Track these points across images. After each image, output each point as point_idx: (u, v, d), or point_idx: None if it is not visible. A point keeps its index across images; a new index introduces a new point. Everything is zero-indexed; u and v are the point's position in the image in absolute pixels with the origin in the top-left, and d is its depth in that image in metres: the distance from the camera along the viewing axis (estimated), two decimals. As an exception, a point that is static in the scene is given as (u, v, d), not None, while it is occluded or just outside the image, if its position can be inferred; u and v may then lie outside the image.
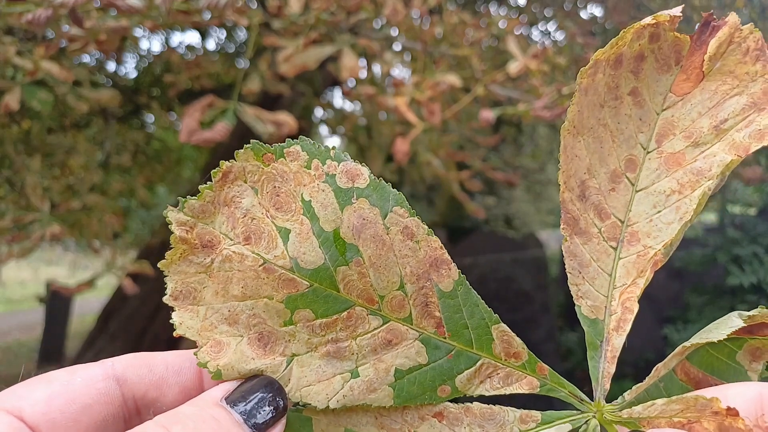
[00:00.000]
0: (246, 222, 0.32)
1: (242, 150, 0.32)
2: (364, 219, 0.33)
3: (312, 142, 0.33)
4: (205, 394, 0.31)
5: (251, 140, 0.33)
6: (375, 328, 0.33)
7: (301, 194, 0.33)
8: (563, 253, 0.36)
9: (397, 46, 1.81)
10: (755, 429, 0.28)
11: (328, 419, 0.34)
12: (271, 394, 0.31)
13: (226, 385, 0.32)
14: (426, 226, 0.34)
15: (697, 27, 0.34)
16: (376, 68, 1.88)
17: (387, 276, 0.33)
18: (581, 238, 0.36)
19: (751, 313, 0.31)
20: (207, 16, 1.16)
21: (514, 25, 1.76)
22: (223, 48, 3.05)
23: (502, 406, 0.35)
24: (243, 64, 2.40)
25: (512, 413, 0.35)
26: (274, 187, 0.33)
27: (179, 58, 2.23)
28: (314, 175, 0.33)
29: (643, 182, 0.35)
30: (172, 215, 0.32)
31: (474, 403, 0.35)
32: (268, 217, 0.33)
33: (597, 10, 2.68)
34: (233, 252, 0.32)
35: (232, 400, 0.31)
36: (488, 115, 1.30)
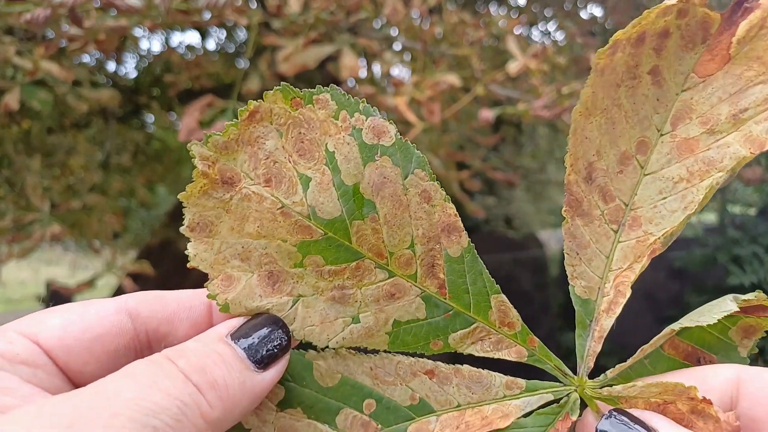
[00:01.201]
0: (268, 164, 0.33)
1: (272, 91, 0.33)
2: (384, 177, 0.33)
3: (342, 92, 0.33)
4: (211, 331, 0.32)
5: (281, 83, 0.34)
6: (380, 281, 0.34)
7: (326, 144, 0.33)
8: (563, 234, 0.36)
9: (396, 46, 1.81)
10: (723, 424, 0.28)
11: (327, 365, 0.35)
12: (275, 332, 0.33)
13: (232, 322, 0.33)
14: (444, 192, 0.34)
15: (729, 5, 0.32)
16: (376, 68, 1.88)
17: (399, 235, 0.34)
18: (583, 220, 0.36)
19: (746, 296, 0.32)
20: (206, 15, 1.16)
21: (514, 25, 1.76)
22: (223, 48, 3.05)
23: (489, 371, 0.36)
24: (243, 64, 2.40)
25: (499, 378, 0.36)
26: (300, 132, 0.33)
27: (179, 58, 2.23)
28: (341, 126, 0.33)
29: (653, 166, 0.35)
30: (196, 149, 0.32)
31: (464, 365, 0.36)
32: (290, 162, 0.33)
33: (597, 10, 2.68)
34: (253, 192, 0.33)
35: (236, 336, 0.32)
36: (488, 114, 1.30)
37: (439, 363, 0.36)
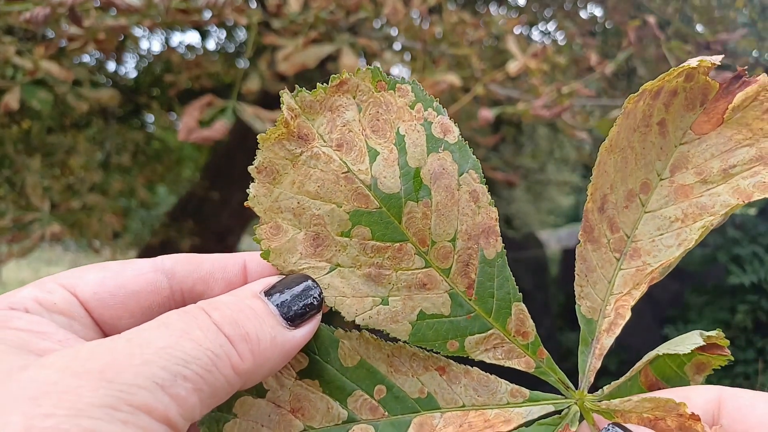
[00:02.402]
0: (343, 131, 0.35)
1: (363, 69, 0.36)
2: (443, 169, 0.36)
3: (421, 88, 0.36)
4: (246, 287, 0.34)
5: (372, 64, 0.36)
6: (416, 268, 0.36)
7: (398, 127, 0.36)
8: (576, 256, 0.39)
9: (396, 46, 1.80)
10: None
11: (351, 345, 0.36)
12: (308, 291, 0.34)
13: (266, 280, 0.34)
14: (489, 196, 0.37)
15: (729, 78, 0.37)
16: (376, 68, 1.87)
17: (445, 226, 0.36)
18: (592, 246, 0.39)
19: (710, 333, 0.36)
20: (206, 15, 1.16)
21: (514, 25, 1.76)
22: (223, 48, 3.05)
23: (497, 377, 0.38)
24: (243, 64, 2.40)
25: (505, 385, 0.38)
26: (377, 111, 0.36)
27: (179, 58, 2.23)
28: (415, 115, 0.36)
29: (653, 205, 0.39)
30: (286, 98, 0.35)
31: (474, 368, 0.38)
32: (363, 134, 0.36)
33: (597, 10, 2.68)
34: (323, 152, 0.35)
35: (270, 293, 0.33)
36: (487, 114, 1.30)
37: (451, 361, 0.37)
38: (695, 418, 0.31)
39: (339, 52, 1.37)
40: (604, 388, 0.38)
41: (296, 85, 0.35)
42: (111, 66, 2.68)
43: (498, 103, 1.86)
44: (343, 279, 0.36)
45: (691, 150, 0.38)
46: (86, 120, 2.62)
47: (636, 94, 0.37)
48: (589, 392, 0.38)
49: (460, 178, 0.36)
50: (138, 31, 2.22)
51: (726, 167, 0.37)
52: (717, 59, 0.36)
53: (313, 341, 0.35)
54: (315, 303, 0.34)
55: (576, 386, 0.38)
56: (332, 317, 0.36)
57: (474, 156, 0.37)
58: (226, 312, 0.30)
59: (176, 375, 0.26)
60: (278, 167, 0.35)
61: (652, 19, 1.42)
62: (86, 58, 2.32)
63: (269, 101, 2.39)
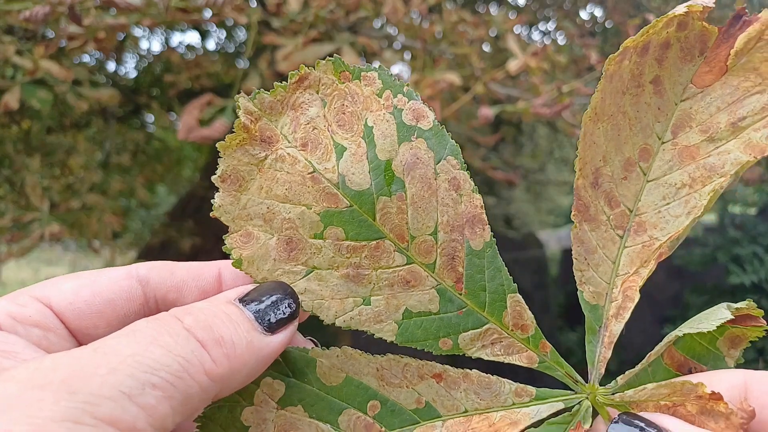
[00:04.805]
0: (307, 129, 0.33)
1: (323, 61, 0.34)
2: (417, 158, 0.34)
3: (389, 73, 0.34)
4: (221, 294, 0.33)
5: (334, 55, 0.34)
6: (397, 266, 0.34)
7: (366, 119, 0.34)
8: (572, 239, 0.36)
9: (396, 45, 1.80)
10: (739, 411, 0.28)
11: (330, 363, 0.34)
12: (284, 299, 0.33)
13: (240, 288, 0.33)
14: (473, 183, 0.34)
15: (728, 19, 0.33)
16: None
17: (423, 218, 0.34)
18: (590, 225, 0.36)
19: (738, 305, 0.32)
20: (206, 14, 1.16)
21: (514, 24, 1.75)
22: (222, 48, 3.04)
23: (499, 377, 0.35)
24: (243, 64, 2.40)
25: (508, 385, 0.35)
26: (342, 104, 0.34)
27: (179, 57, 2.22)
28: (383, 104, 0.34)
29: (655, 173, 0.35)
30: (243, 102, 0.33)
31: (473, 370, 0.35)
32: (328, 130, 0.34)
33: (597, 10, 2.68)
34: (288, 154, 0.33)
35: (245, 301, 0.32)
36: (487, 112, 1.30)
37: (448, 366, 0.35)
38: (716, 397, 0.28)
39: (339, 52, 1.36)
40: (618, 378, 0.35)
41: (253, 89, 0.34)
42: (111, 66, 2.68)
43: (498, 102, 1.86)
44: (321, 281, 0.34)
45: (693, 106, 0.34)
46: (86, 120, 2.61)
47: (617, 53, 0.34)
48: (600, 385, 0.35)
49: (437, 166, 0.34)
50: (138, 31, 2.21)
51: (735, 120, 0.34)
52: (711, 1, 0.32)
53: (285, 365, 0.34)
54: (291, 309, 0.33)
55: (586, 380, 0.35)
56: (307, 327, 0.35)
57: (453, 141, 0.34)
58: (200, 317, 0.29)
59: (144, 383, 0.25)
60: (243, 174, 0.33)
61: (652, 18, 1.42)
62: (86, 58, 2.32)
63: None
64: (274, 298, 0.32)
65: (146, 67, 2.91)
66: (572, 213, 0.36)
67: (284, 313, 0.32)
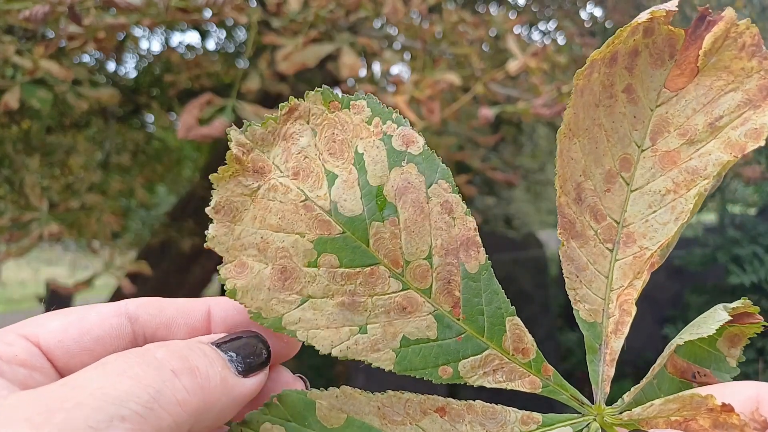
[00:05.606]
0: (299, 158, 0.34)
1: (312, 92, 0.34)
2: (408, 183, 0.34)
3: (378, 101, 0.34)
4: (196, 338, 0.33)
5: (323, 85, 0.35)
6: (393, 292, 0.34)
7: (356, 146, 0.34)
8: (560, 258, 0.36)
9: (396, 45, 1.80)
10: (751, 422, 0.28)
11: (330, 404, 0.34)
12: (256, 343, 0.33)
13: (213, 336, 0.33)
14: (465, 206, 0.34)
15: (692, 21, 0.33)
16: (376, 67, 1.88)
17: (417, 243, 0.34)
18: (578, 242, 0.36)
19: (734, 304, 0.32)
20: (206, 14, 1.15)
21: (514, 24, 1.75)
22: (222, 48, 3.04)
23: (504, 406, 0.34)
24: (242, 64, 2.40)
25: (514, 414, 0.34)
26: (333, 133, 0.34)
27: (179, 57, 2.22)
28: (373, 131, 0.34)
29: (638, 182, 0.35)
30: (234, 134, 0.33)
31: (476, 401, 0.35)
32: (320, 159, 0.34)
33: (597, 10, 2.68)
34: (280, 183, 0.34)
35: (218, 343, 0.32)
36: (487, 112, 1.30)
37: (451, 399, 0.34)
38: (728, 408, 0.28)
39: (339, 52, 1.36)
40: (624, 396, 0.34)
41: (244, 121, 0.34)
42: (111, 66, 2.68)
43: (498, 104, 1.86)
44: (317, 310, 0.33)
45: (669, 110, 0.34)
46: (86, 120, 2.61)
47: (584, 67, 0.33)
48: (606, 404, 0.34)
49: (428, 190, 0.34)
50: (138, 31, 2.21)
51: (712, 121, 0.33)
52: (673, 5, 0.32)
53: (284, 408, 0.33)
54: (263, 357, 0.33)
55: (591, 400, 0.35)
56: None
57: (443, 165, 0.34)
58: (174, 348, 0.29)
59: (113, 416, 0.24)
60: (237, 204, 0.33)
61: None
62: (86, 58, 2.32)
63: (269, 100, 2.39)
64: (248, 347, 0.33)
65: (146, 67, 2.92)
66: (558, 231, 0.36)
67: (258, 358, 0.32)
